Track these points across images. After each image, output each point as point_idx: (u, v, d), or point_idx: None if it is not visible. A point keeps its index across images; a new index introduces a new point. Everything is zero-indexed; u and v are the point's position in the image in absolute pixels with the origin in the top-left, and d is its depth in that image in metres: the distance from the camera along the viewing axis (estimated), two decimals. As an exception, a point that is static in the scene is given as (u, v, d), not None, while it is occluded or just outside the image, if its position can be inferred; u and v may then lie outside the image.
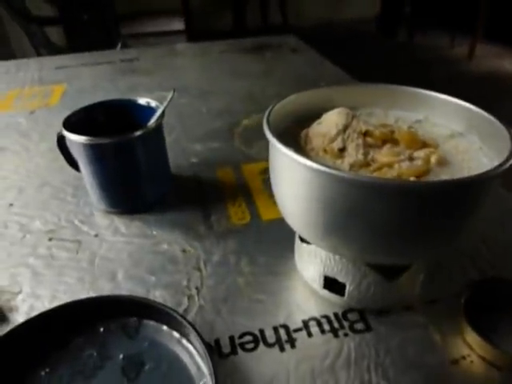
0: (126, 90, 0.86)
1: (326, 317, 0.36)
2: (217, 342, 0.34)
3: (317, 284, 0.37)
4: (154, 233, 0.47)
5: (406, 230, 0.27)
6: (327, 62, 1.00)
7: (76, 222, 0.49)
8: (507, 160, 0.26)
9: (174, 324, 0.34)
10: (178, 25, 3.83)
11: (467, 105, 0.35)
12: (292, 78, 0.91)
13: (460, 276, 0.40)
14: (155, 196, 0.51)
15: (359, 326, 0.35)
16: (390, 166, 0.30)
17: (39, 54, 2.29)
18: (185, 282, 0.40)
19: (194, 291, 0.39)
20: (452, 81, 2.58)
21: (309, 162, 0.26)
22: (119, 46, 2.46)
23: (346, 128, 0.33)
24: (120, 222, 0.48)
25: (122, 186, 0.48)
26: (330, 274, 0.35)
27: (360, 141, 0.32)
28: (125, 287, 0.40)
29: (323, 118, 0.35)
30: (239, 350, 0.34)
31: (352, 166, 0.31)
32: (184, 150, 0.63)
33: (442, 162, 0.31)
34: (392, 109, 0.40)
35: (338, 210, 0.27)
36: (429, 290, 0.39)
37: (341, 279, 0.35)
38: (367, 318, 0.36)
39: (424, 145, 0.33)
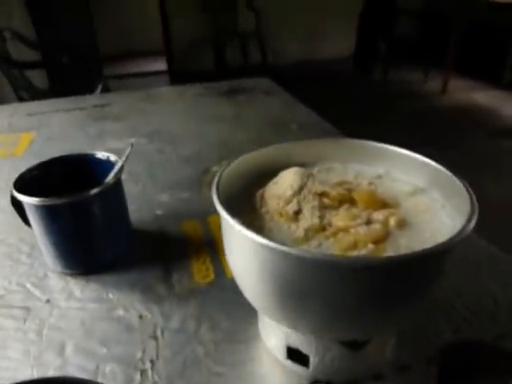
0: (94, 137, 0.85)
1: (291, 391, 0.33)
2: (169, 426, 0.31)
3: (280, 354, 0.35)
4: (111, 296, 0.44)
5: (361, 306, 0.25)
6: (300, 105, 1.01)
7: (28, 286, 0.45)
8: (465, 228, 0.25)
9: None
10: (161, 65, 3.90)
11: (427, 160, 0.34)
12: (264, 122, 0.91)
13: (433, 336, 0.38)
14: (114, 255, 0.48)
15: (326, 400, 0.33)
16: (346, 230, 0.29)
17: (20, 98, 2.29)
18: (139, 355, 0.37)
19: (148, 365, 0.36)
20: (426, 114, 2.65)
21: (255, 237, 0.24)
22: (99, 88, 2.48)
23: (301, 189, 0.31)
24: (75, 285, 0.45)
25: (77, 246, 0.45)
26: (293, 345, 0.33)
27: (316, 202, 0.31)
28: (73, 362, 0.37)
29: (279, 177, 0.33)
30: None
31: (307, 231, 0.29)
32: (150, 200, 0.61)
33: (402, 224, 0.30)
34: (352, 162, 0.38)
35: (289, 285, 0.25)
36: (400, 355, 0.36)
37: (304, 351, 0.32)
38: (335, 391, 0.33)
39: (383, 204, 0.32)
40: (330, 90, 3.09)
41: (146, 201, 0.61)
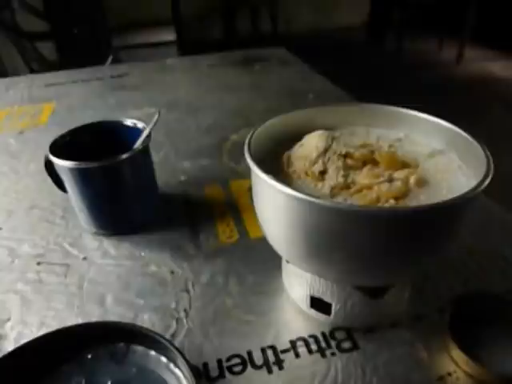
0: (115, 106, 0.87)
1: (314, 336, 0.36)
2: (205, 365, 0.35)
3: (304, 303, 0.37)
4: (143, 254, 0.47)
5: (386, 254, 0.27)
6: (316, 74, 1.01)
7: (65, 245, 0.49)
8: (480, 184, 0.27)
9: (161, 349, 0.34)
10: (170, 35, 3.85)
11: (446, 124, 0.36)
12: (281, 91, 0.92)
13: (446, 290, 0.41)
14: (144, 217, 0.51)
15: (346, 344, 0.36)
16: (369, 188, 0.31)
17: (31, 70, 2.30)
18: (173, 305, 0.40)
19: (182, 314, 0.39)
20: (440, 85, 2.61)
21: (286, 189, 0.27)
22: (110, 59, 2.48)
23: (326, 150, 0.33)
24: (109, 244, 0.48)
25: (110, 208, 0.48)
26: (316, 295, 0.36)
27: (340, 163, 0.33)
28: (113, 312, 0.40)
29: (304, 140, 0.35)
30: (227, 374, 0.34)
31: (333, 189, 0.31)
32: (173, 168, 0.63)
33: (421, 183, 0.32)
34: (374, 127, 0.40)
35: (318, 235, 0.28)
36: (415, 306, 0.39)
37: (326, 299, 0.35)
38: (354, 337, 0.36)
39: (404, 165, 0.34)
40: (342, 59, 3.04)
41: (169, 168, 0.63)
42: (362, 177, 0.32)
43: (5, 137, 0.76)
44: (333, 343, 0.36)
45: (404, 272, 0.30)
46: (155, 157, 0.66)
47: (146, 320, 0.39)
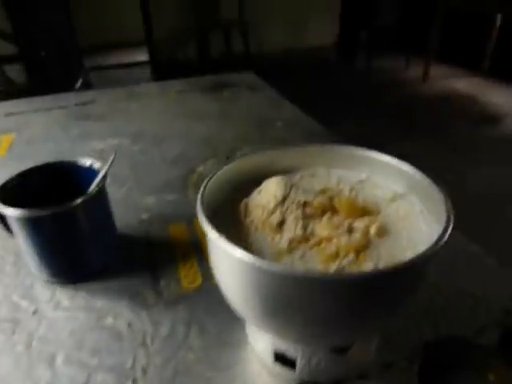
0: (77, 138, 0.84)
1: (279, 393, 0.34)
2: (162, 433, 0.32)
3: (268, 358, 0.35)
4: (99, 305, 0.44)
5: (343, 317, 0.26)
6: (285, 101, 1.01)
7: (14, 297, 0.45)
8: (439, 240, 0.26)
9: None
10: (142, 56, 3.84)
11: (406, 167, 0.35)
12: (249, 119, 0.91)
13: (415, 334, 0.40)
14: (101, 262, 0.48)
15: (313, 401, 0.34)
16: (328, 240, 0.29)
17: (-2, 93, 2.23)
18: (130, 363, 0.38)
19: (139, 373, 0.37)
20: (408, 102, 2.68)
21: (233, 250, 0.25)
22: (80, 82, 2.44)
23: (284, 199, 0.32)
24: (62, 294, 0.45)
25: (63, 256, 0.45)
26: (279, 350, 0.34)
27: (299, 212, 0.31)
28: (64, 373, 0.37)
29: (262, 186, 0.34)
30: None
31: (291, 242, 0.30)
32: (135, 204, 0.61)
33: (382, 232, 0.31)
34: (335, 167, 0.39)
35: (269, 298, 0.26)
36: (383, 354, 0.37)
37: (290, 355, 0.33)
38: (321, 392, 0.34)
39: (364, 212, 0.33)
40: (313, 79, 3.09)
41: (130, 205, 0.61)
42: (321, 228, 0.30)
43: (-43, 173, 0.72)
44: (299, 400, 0.34)
45: (366, 330, 0.29)
46: (117, 193, 0.64)
47: (99, 382, 0.36)
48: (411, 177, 0.35)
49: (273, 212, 0.32)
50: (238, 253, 0.25)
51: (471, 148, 2.19)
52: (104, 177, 0.46)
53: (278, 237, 0.30)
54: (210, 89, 1.09)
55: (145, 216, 0.58)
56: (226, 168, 0.36)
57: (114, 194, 0.63)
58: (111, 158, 0.46)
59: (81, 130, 0.87)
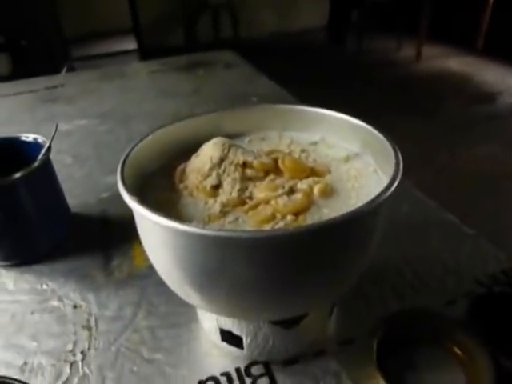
0: (43, 120, 0.80)
1: (227, 374, 0.32)
2: (96, 420, 0.29)
3: (215, 336, 0.33)
4: (45, 287, 0.41)
5: (273, 284, 0.23)
6: (261, 77, 0.97)
7: (-44, 281, 0.42)
8: (378, 197, 0.23)
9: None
10: (130, 44, 3.76)
11: (361, 124, 0.32)
12: (223, 96, 0.88)
13: (379, 307, 0.37)
14: (51, 243, 0.45)
15: (263, 381, 0.31)
16: (266, 202, 0.26)
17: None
18: (70, 346, 0.35)
19: (78, 356, 0.34)
20: (401, 83, 2.63)
21: (144, 211, 0.22)
22: (64, 71, 2.38)
23: (222, 161, 0.29)
24: (8, 277, 0.42)
25: (7, 235, 0.42)
26: (225, 327, 0.31)
27: (237, 175, 0.28)
28: (1, 358, 0.34)
29: (200, 149, 0.31)
30: (120, 430, 0.29)
31: (224, 206, 0.27)
32: (95, 184, 0.58)
33: (328, 192, 0.27)
34: (287, 130, 0.36)
35: (192, 265, 0.23)
36: (344, 328, 0.35)
37: (236, 332, 0.30)
38: (272, 371, 0.32)
39: (312, 173, 0.29)
40: (303, 61, 3.03)
41: (90, 184, 0.58)
42: (260, 190, 0.27)
43: None
44: (248, 381, 0.31)
45: (302, 303, 0.26)
46: (77, 173, 0.61)
47: (35, 366, 0.33)
48: (366, 134, 0.31)
49: (208, 175, 0.28)
50: (153, 217, 0.22)
51: (464, 126, 2.15)
52: (47, 150, 0.43)
53: (211, 201, 0.27)
54: (185, 68, 1.05)
55: (104, 195, 0.55)
56: (160, 131, 0.33)
57: (74, 174, 0.60)
58: (53, 130, 0.43)
59: (48, 113, 0.84)
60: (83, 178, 0.59)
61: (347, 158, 0.32)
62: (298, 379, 0.31)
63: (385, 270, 0.40)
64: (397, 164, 0.26)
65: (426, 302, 0.37)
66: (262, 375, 0.31)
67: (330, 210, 0.26)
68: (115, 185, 0.58)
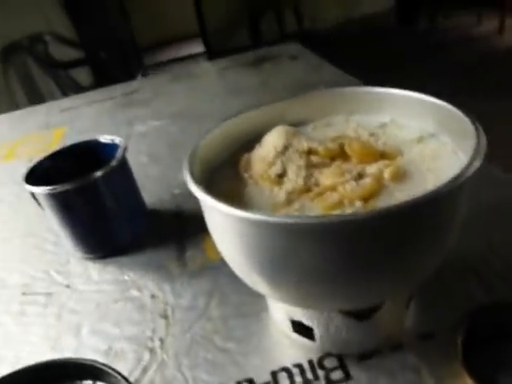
0: (123, 124, 0.86)
1: (299, 366, 0.31)
2: (174, 404, 0.30)
3: (286, 327, 0.32)
4: (126, 278, 0.44)
5: (342, 272, 0.22)
6: (328, 65, 0.94)
7: (51, 273, 0.47)
8: (460, 175, 0.20)
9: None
10: (198, 48, 3.90)
11: (434, 100, 0.30)
12: (290, 87, 0.87)
13: (462, 298, 0.34)
14: (130, 237, 0.48)
15: (337, 374, 0.30)
16: (333, 189, 0.25)
17: (66, 96, 2.40)
18: (149, 333, 0.37)
19: (157, 343, 0.36)
20: (482, 59, 2.41)
21: (212, 201, 0.22)
22: (139, 78, 2.53)
23: (286, 148, 0.28)
24: (94, 269, 0.46)
25: (91, 230, 0.46)
26: (295, 317, 0.30)
27: (302, 162, 0.28)
28: (88, 344, 0.37)
29: (264, 138, 0.31)
30: (195, 415, 0.29)
31: (289, 194, 0.26)
32: (169, 181, 0.60)
33: (400, 176, 0.26)
34: (354, 114, 0.34)
35: (263, 254, 0.23)
36: (424, 320, 0.33)
37: (307, 323, 0.30)
38: (346, 365, 0.30)
39: (382, 156, 0.28)
40: (372, 47, 2.90)
41: (165, 181, 0.60)
42: (326, 176, 0.26)
43: (15, 165, 0.77)
44: (321, 374, 0.30)
45: (385, 291, 0.24)
46: (152, 171, 0.64)
47: (119, 351, 0.36)
48: (442, 113, 0.29)
49: (272, 163, 0.28)
50: (219, 206, 0.22)
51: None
52: (124, 150, 0.45)
53: (276, 189, 0.27)
54: (252, 63, 1.06)
55: (177, 191, 0.57)
56: (224, 124, 0.33)
57: (149, 172, 0.64)
58: (130, 132, 0.45)
59: (125, 117, 0.89)
60: (158, 176, 0.62)
61: (421, 139, 0.30)
62: (373, 374, 0.30)
63: (468, 258, 0.37)
64: (478, 142, 0.23)
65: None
66: (335, 368, 0.30)
67: (403, 194, 0.24)
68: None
